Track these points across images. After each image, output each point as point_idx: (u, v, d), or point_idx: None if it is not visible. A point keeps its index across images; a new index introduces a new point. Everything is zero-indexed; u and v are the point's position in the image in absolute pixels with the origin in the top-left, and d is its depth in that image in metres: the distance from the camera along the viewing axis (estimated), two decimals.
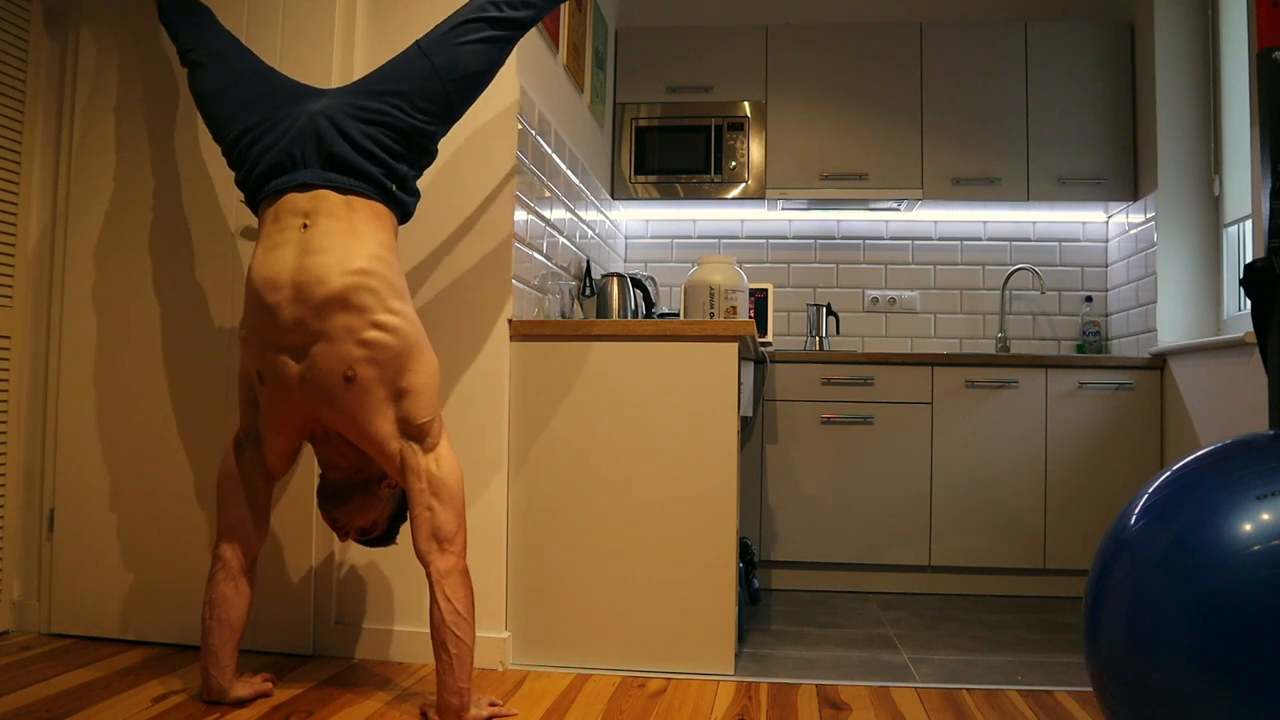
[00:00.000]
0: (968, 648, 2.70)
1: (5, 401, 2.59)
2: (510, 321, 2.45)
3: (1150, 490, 1.56)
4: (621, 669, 2.41)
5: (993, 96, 3.78)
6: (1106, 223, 4.02)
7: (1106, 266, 4.01)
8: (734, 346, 2.41)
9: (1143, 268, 3.58)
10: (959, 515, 3.44)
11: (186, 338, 2.53)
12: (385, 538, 2.16)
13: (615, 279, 3.04)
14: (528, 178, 2.57)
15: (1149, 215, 3.53)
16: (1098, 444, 3.42)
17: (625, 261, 4.20)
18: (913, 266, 4.11)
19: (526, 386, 2.47)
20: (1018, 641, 2.78)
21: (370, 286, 1.87)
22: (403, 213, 2.04)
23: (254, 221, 2.48)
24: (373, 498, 2.07)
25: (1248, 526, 1.38)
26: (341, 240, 1.88)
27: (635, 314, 3.08)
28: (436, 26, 2.04)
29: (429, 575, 1.91)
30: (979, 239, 4.09)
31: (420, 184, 2.45)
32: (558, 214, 2.93)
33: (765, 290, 3.97)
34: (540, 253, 2.71)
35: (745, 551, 2.97)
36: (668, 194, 3.88)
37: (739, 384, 2.44)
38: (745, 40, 3.88)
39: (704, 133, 3.86)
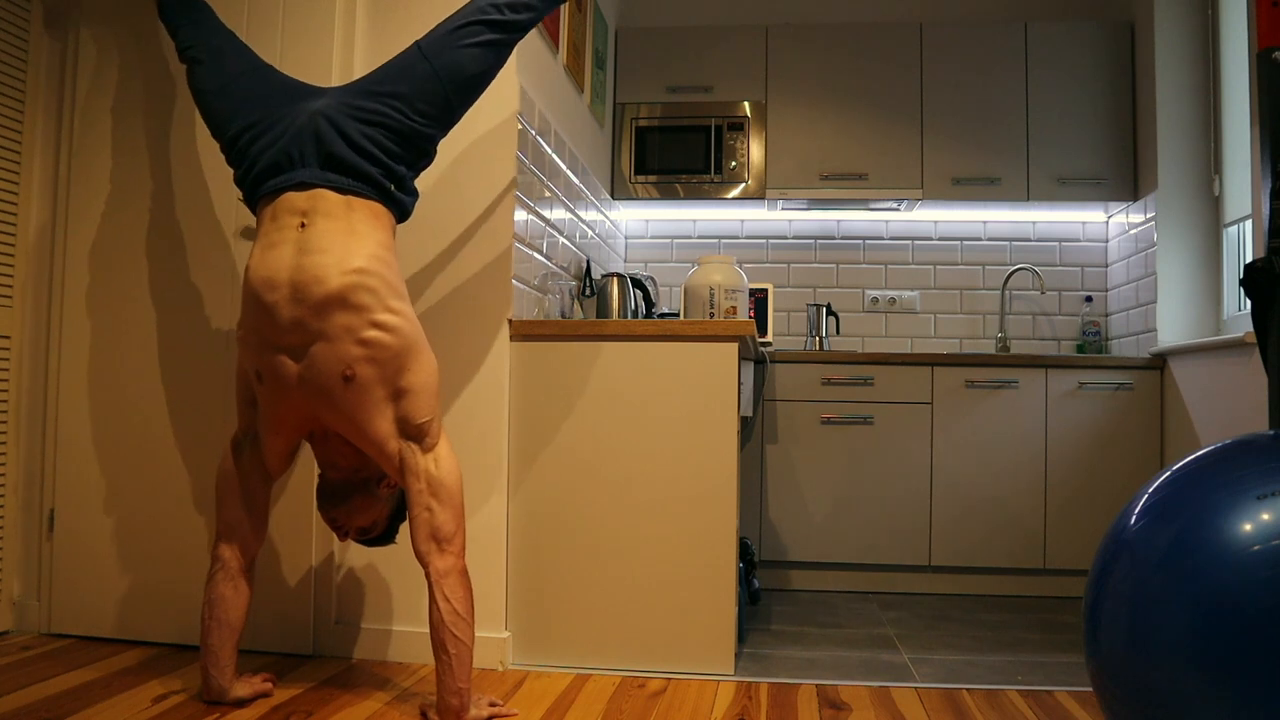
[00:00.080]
0: (968, 648, 2.70)
1: (5, 401, 2.59)
2: (510, 321, 2.45)
3: (1150, 490, 1.56)
4: (621, 669, 2.41)
5: (993, 96, 3.78)
6: (1106, 223, 4.02)
7: (1106, 266, 4.01)
8: (734, 346, 2.41)
9: (1143, 268, 3.58)
10: (959, 515, 3.44)
11: (186, 338, 2.53)
12: (384, 537, 2.16)
13: (615, 279, 3.04)
14: (528, 178, 2.57)
15: (1149, 215, 3.53)
16: (1098, 444, 3.42)
17: (625, 261, 4.20)
18: (913, 266, 4.11)
19: (526, 387, 2.47)
20: (1018, 641, 2.78)
21: (369, 286, 1.87)
22: (401, 212, 2.04)
23: (253, 221, 2.48)
24: (372, 497, 2.07)
25: (1248, 526, 1.37)
26: (340, 240, 1.88)
27: (635, 314, 3.08)
28: (437, 27, 2.04)
29: (428, 575, 1.91)
30: (979, 239, 4.09)
31: (420, 184, 2.45)
32: (558, 214, 2.93)
33: (765, 290, 3.97)
34: (540, 253, 2.71)
35: (745, 551, 2.97)
36: (668, 194, 3.88)
37: (739, 384, 2.44)
38: (745, 40, 3.88)
39: (704, 133, 3.86)
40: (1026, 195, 3.75)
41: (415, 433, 1.93)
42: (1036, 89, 3.76)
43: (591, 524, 2.44)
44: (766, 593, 3.44)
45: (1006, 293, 4.05)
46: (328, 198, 1.91)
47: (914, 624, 2.99)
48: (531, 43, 2.65)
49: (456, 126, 2.43)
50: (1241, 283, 1.78)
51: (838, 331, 4.09)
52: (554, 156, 2.87)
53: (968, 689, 2.30)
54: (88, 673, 2.24)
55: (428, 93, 1.99)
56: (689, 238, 4.20)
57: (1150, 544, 1.47)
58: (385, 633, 2.43)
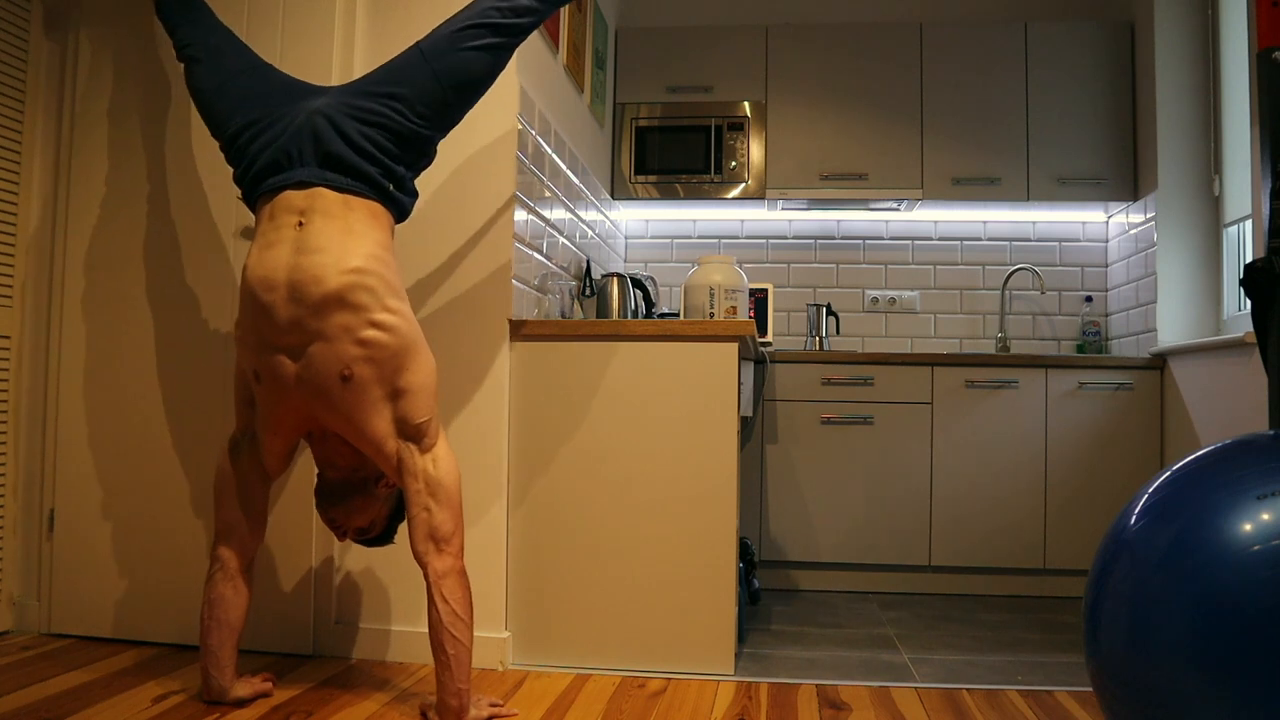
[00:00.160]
0: (968, 648, 2.70)
1: (5, 401, 2.59)
2: (510, 321, 2.45)
3: (1150, 490, 1.56)
4: (621, 669, 2.41)
5: (993, 96, 3.78)
6: (1106, 223, 4.02)
7: (1106, 266, 4.01)
8: (734, 346, 2.41)
9: (1143, 268, 3.58)
10: (959, 515, 3.44)
11: (186, 338, 2.53)
12: (383, 537, 2.16)
13: (615, 279, 3.03)
14: (528, 178, 2.57)
15: (1149, 215, 3.53)
16: (1098, 444, 3.42)
17: (625, 261, 4.20)
18: (913, 266, 4.11)
19: (526, 387, 2.47)
20: (1018, 641, 2.78)
21: (368, 285, 1.87)
22: (400, 212, 2.04)
23: (252, 221, 2.47)
24: (370, 497, 2.06)
25: (1248, 526, 1.37)
26: (338, 239, 1.88)
27: (635, 314, 3.08)
28: (437, 29, 2.04)
29: (426, 576, 1.91)
30: (979, 239, 4.09)
31: (420, 184, 2.45)
32: (558, 214, 2.93)
33: (765, 290, 3.96)
34: (540, 253, 2.71)
35: (745, 551, 2.97)
36: (668, 194, 3.88)
37: (739, 384, 2.44)
38: (745, 40, 3.88)
39: (704, 133, 3.86)
40: (1026, 195, 3.75)
41: (413, 433, 1.93)
42: (1036, 89, 3.76)
43: (591, 524, 2.43)
44: (766, 593, 3.44)
45: (1006, 293, 4.05)
46: (326, 196, 1.91)
47: (914, 624, 2.99)
48: (532, 43, 2.65)
49: (457, 127, 2.43)
50: (1241, 283, 1.78)
51: (838, 331, 4.09)
52: (554, 156, 2.87)
53: (968, 689, 2.30)
54: (87, 673, 2.24)
55: (427, 94, 1.98)
56: (689, 238, 4.20)
57: (1150, 544, 1.47)
58: (385, 633, 2.43)
